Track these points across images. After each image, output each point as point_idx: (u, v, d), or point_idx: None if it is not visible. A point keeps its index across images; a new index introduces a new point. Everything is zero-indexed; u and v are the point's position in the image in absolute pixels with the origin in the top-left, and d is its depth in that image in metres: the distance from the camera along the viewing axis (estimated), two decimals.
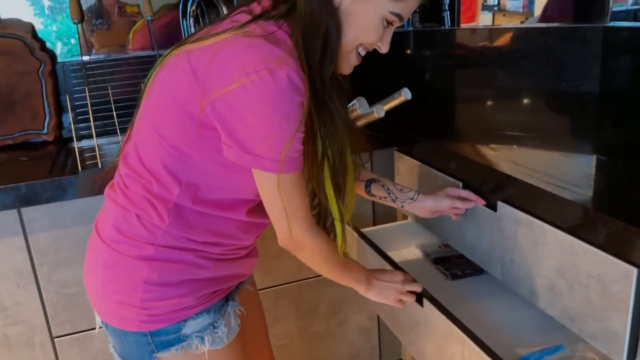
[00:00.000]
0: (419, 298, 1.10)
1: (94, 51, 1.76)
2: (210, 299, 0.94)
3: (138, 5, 1.73)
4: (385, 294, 1.08)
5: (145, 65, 1.74)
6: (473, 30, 1.95)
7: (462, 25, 1.97)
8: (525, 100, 1.74)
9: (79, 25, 1.60)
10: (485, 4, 1.99)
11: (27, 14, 1.71)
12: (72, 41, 1.73)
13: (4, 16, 1.67)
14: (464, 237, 1.20)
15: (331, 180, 0.90)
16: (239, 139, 0.80)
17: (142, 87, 0.92)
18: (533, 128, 1.41)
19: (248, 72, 0.76)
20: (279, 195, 0.84)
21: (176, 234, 0.89)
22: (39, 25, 1.72)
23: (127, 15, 1.75)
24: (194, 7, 1.63)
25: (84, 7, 1.69)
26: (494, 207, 1.08)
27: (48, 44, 1.69)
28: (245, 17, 0.84)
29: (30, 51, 1.60)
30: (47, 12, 1.73)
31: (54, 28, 1.76)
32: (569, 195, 0.89)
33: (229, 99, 0.78)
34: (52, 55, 1.66)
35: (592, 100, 1.63)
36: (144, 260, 0.88)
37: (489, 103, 1.78)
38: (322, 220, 0.97)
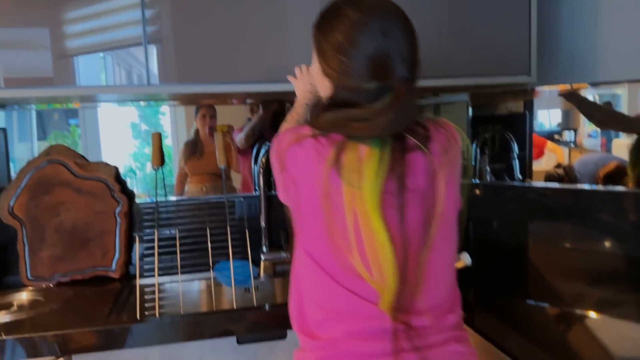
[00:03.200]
0: None
1: (187, 180, 2.01)
2: None
3: (227, 125, 2.01)
4: None
5: (214, 210, 1.82)
6: (544, 189, 1.90)
7: (533, 182, 1.93)
8: (600, 267, 1.62)
9: (158, 170, 1.71)
10: (560, 139, 1.96)
11: (126, 136, 2.01)
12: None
13: (106, 140, 1.95)
14: None
15: None
16: None
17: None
18: (608, 301, 1.29)
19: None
20: None
21: None
22: (133, 149, 2.00)
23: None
24: (264, 159, 1.71)
25: (185, 139, 2.00)
26: None
27: (129, 183, 1.82)
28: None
29: (110, 192, 1.72)
30: (142, 135, 2.01)
31: (146, 151, 2.01)
32: None
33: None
34: (130, 196, 1.77)
35: None
36: None
37: (559, 266, 1.67)
38: None
